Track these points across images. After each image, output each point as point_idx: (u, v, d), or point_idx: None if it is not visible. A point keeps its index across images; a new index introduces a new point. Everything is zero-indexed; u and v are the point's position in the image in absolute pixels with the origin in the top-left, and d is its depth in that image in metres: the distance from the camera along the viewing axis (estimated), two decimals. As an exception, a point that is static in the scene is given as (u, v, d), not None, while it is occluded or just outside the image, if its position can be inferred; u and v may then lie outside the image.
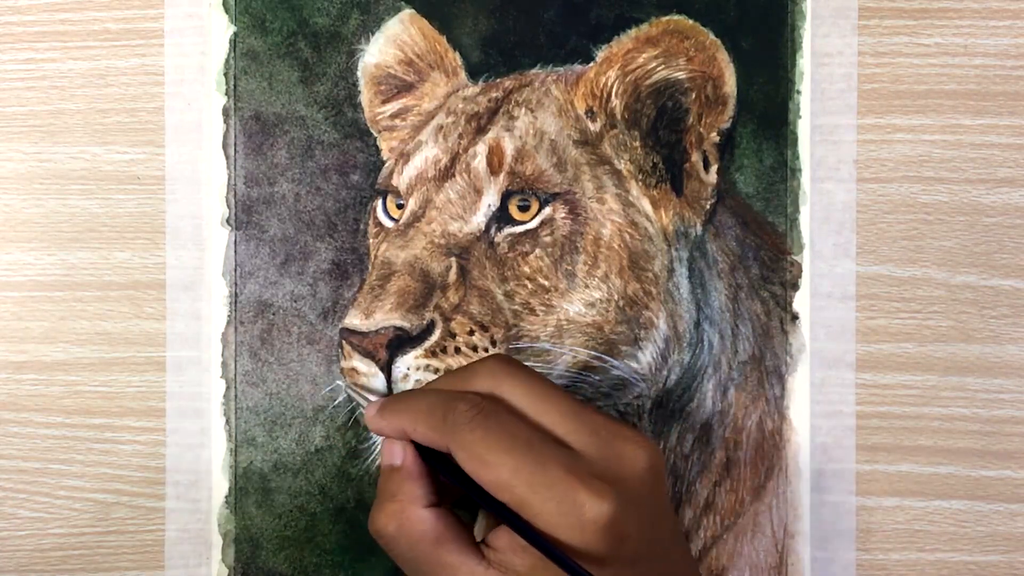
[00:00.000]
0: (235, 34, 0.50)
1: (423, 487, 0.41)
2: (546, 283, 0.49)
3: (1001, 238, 0.51)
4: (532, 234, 0.49)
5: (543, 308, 0.48)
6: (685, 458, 0.50)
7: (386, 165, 0.50)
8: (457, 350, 0.47)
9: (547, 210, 0.49)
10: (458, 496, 0.43)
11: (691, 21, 0.50)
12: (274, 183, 0.50)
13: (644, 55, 0.50)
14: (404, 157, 0.50)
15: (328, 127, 0.50)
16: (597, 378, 0.49)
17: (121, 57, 0.50)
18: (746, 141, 0.50)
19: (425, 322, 0.47)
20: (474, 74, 0.50)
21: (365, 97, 0.50)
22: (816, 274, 0.50)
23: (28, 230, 0.50)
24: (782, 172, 0.50)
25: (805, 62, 0.50)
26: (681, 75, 0.50)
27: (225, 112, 0.50)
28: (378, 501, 0.42)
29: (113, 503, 0.50)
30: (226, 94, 0.50)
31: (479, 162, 0.49)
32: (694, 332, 0.50)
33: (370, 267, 0.50)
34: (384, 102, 0.51)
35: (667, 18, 0.50)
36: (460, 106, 0.50)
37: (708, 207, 0.50)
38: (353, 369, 0.49)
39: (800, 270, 0.50)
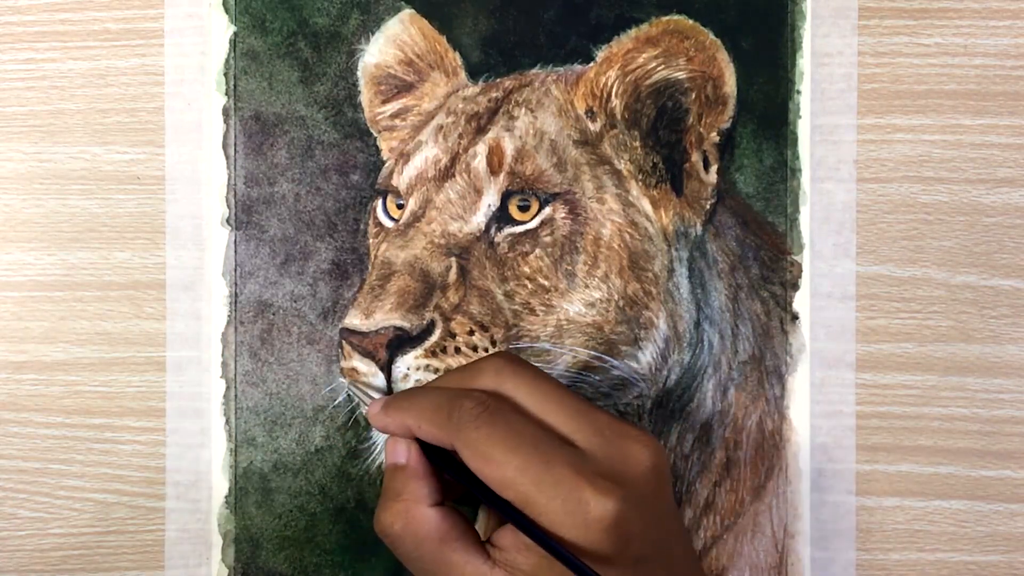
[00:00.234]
0: (235, 34, 0.50)
1: (428, 486, 0.41)
2: (546, 283, 0.49)
3: (1001, 238, 0.51)
4: (532, 234, 0.49)
5: (543, 308, 0.48)
6: (685, 458, 0.50)
7: (386, 165, 0.50)
8: (457, 350, 0.47)
9: (547, 210, 0.49)
10: (460, 494, 0.43)
11: (691, 21, 0.50)
12: (274, 183, 0.50)
13: (644, 55, 0.50)
14: (404, 157, 0.50)
15: (328, 127, 0.50)
16: (597, 378, 0.49)
17: (121, 57, 0.50)
18: (746, 141, 0.50)
19: (425, 322, 0.47)
20: (474, 74, 0.50)
21: (365, 97, 0.50)
22: (816, 274, 0.50)
23: (28, 230, 0.50)
24: (782, 172, 0.50)
25: (805, 62, 0.50)
26: (681, 75, 0.50)
27: (225, 112, 0.50)
28: (383, 500, 0.42)
29: (113, 503, 0.50)
30: (226, 94, 0.50)
31: (479, 162, 0.49)
32: (694, 332, 0.50)
33: (370, 267, 0.50)
34: (384, 102, 0.51)
35: (667, 18, 0.50)
36: (460, 106, 0.50)
37: (708, 207, 0.50)
38: (353, 369, 0.49)
39: (800, 270, 0.50)
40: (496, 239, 0.49)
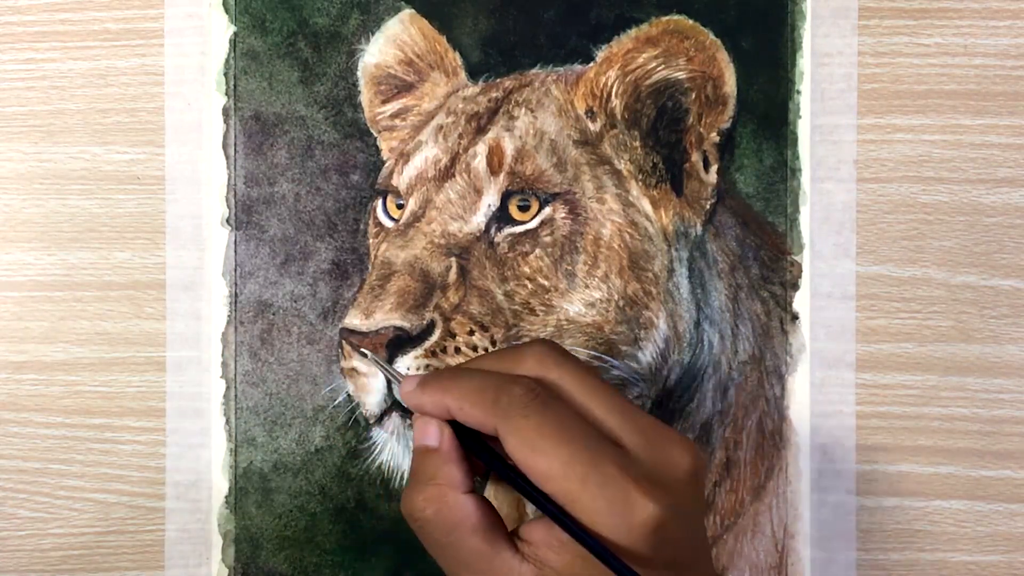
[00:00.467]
0: (235, 34, 0.50)
1: (462, 471, 0.39)
2: (546, 283, 0.49)
3: (1001, 238, 0.51)
4: (532, 234, 0.49)
5: (543, 308, 0.48)
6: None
7: (386, 165, 0.50)
8: (457, 350, 0.47)
9: (547, 210, 0.49)
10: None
11: (691, 21, 0.50)
12: (274, 183, 0.50)
13: (644, 55, 0.50)
14: (404, 157, 0.50)
15: (328, 127, 0.50)
16: (597, 378, 0.49)
17: (121, 57, 0.50)
18: (746, 141, 0.50)
19: (425, 322, 0.47)
20: (474, 74, 0.50)
21: (365, 97, 0.50)
22: (816, 274, 0.50)
23: (28, 230, 0.50)
24: (782, 172, 0.50)
25: (805, 62, 0.50)
26: (681, 75, 0.50)
27: (225, 112, 0.50)
28: (413, 482, 0.40)
29: (113, 503, 0.50)
30: (226, 94, 0.50)
31: (479, 162, 0.49)
32: (694, 332, 0.50)
33: (370, 267, 0.50)
34: (384, 102, 0.51)
35: (667, 18, 0.50)
36: (460, 106, 0.50)
37: (708, 207, 0.50)
38: (353, 369, 0.49)
39: (800, 270, 0.50)
40: (496, 239, 0.49)
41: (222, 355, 0.50)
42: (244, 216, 0.50)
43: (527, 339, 0.48)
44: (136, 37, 0.50)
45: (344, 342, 0.49)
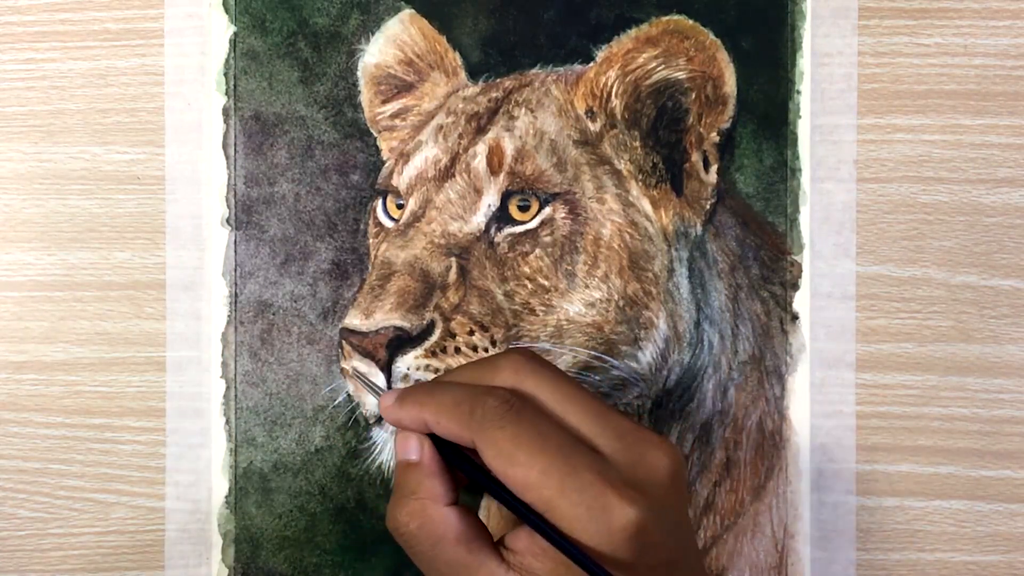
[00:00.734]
0: (235, 34, 0.50)
1: (444, 484, 0.40)
2: (546, 283, 0.49)
3: (1001, 238, 0.51)
4: (532, 234, 0.49)
5: (543, 308, 0.48)
6: (685, 458, 0.50)
7: (386, 165, 0.50)
8: (457, 350, 0.47)
9: (547, 210, 0.49)
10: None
11: (691, 21, 0.50)
12: (274, 183, 0.50)
13: (644, 55, 0.50)
14: (404, 157, 0.50)
15: (328, 127, 0.50)
16: (597, 378, 0.49)
17: (121, 57, 0.50)
18: (746, 141, 0.50)
19: (425, 322, 0.47)
20: (474, 74, 0.50)
21: (365, 97, 0.50)
22: (816, 274, 0.50)
23: (28, 230, 0.50)
24: (782, 172, 0.50)
25: (805, 62, 0.50)
26: (681, 75, 0.50)
27: (225, 112, 0.50)
28: (396, 497, 0.41)
29: (113, 503, 0.50)
30: (226, 94, 0.50)
31: (479, 162, 0.49)
32: (694, 332, 0.50)
33: (370, 267, 0.50)
34: (384, 102, 0.51)
35: (667, 18, 0.50)
36: (460, 106, 0.50)
37: (708, 207, 0.50)
38: (353, 369, 0.49)
39: (800, 270, 0.50)
40: (496, 239, 0.49)
41: (222, 355, 0.50)
42: (244, 216, 0.50)
43: (527, 339, 0.48)
44: (136, 37, 0.50)
45: (344, 342, 0.49)
